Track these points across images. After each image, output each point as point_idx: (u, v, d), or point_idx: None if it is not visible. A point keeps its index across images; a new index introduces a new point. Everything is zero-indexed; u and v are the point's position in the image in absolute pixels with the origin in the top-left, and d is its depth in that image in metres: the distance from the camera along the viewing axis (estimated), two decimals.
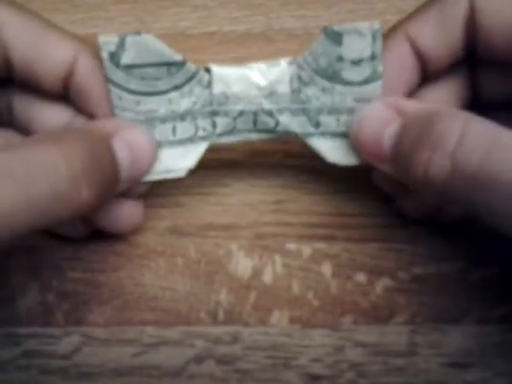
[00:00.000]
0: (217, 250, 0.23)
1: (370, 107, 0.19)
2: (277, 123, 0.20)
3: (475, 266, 0.23)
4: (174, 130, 0.20)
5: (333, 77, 0.19)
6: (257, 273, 0.22)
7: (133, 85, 0.19)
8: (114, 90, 0.19)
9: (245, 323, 0.22)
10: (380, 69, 0.19)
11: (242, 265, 0.23)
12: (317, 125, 0.20)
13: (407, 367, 0.21)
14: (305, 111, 0.20)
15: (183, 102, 0.20)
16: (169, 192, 0.24)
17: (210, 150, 0.21)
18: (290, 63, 0.20)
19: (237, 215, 0.23)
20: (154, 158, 0.20)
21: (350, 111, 0.20)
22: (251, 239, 0.23)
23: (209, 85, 0.20)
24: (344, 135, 0.20)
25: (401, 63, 0.20)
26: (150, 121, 0.20)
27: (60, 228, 0.22)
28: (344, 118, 0.20)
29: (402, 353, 0.21)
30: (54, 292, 0.22)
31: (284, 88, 0.20)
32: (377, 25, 0.19)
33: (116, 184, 0.19)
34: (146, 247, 0.23)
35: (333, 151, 0.21)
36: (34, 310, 0.22)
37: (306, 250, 0.23)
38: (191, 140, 0.20)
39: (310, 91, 0.20)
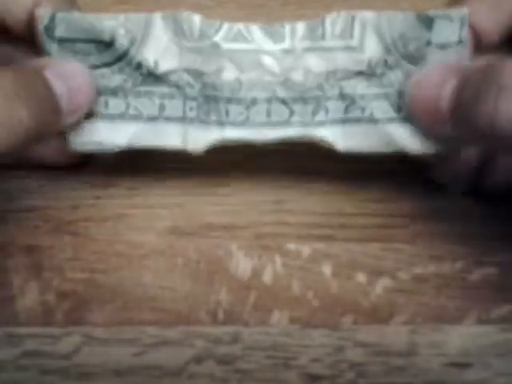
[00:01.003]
0: (217, 250, 0.23)
1: (424, 71, 0.19)
2: (291, 113, 0.20)
3: (475, 266, 0.23)
4: (106, 103, 0.20)
5: (419, 61, 0.19)
6: (257, 273, 0.22)
7: (67, 57, 0.20)
8: None
9: (245, 323, 0.22)
10: (466, 54, 0.19)
11: (242, 265, 0.23)
12: (399, 109, 0.20)
13: (407, 367, 0.21)
14: (387, 96, 0.20)
15: (114, 78, 0.20)
16: (169, 192, 0.24)
17: (210, 150, 0.21)
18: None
19: (237, 215, 0.23)
20: (92, 90, 0.20)
21: None
22: (251, 239, 0.23)
23: (139, 66, 0.20)
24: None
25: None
26: None
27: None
28: None
29: (402, 353, 0.21)
30: (54, 292, 0.22)
31: (298, 76, 0.20)
32: (465, 10, 0.19)
33: (57, 114, 0.19)
34: (146, 247, 0.23)
35: (412, 139, 0.20)
36: (33, 310, 0.22)
37: (306, 250, 0.23)
38: (122, 116, 0.20)
39: (394, 75, 0.20)
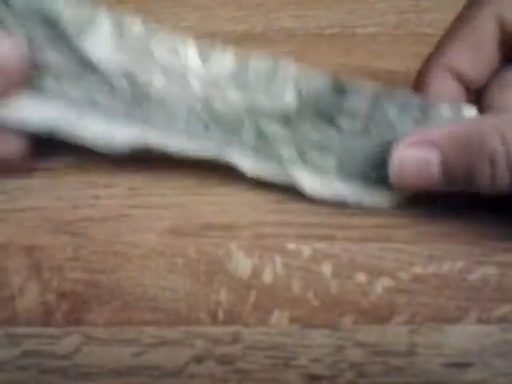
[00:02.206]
0: (217, 249, 0.23)
1: (403, 149, 0.21)
2: (207, 130, 0.21)
3: (475, 266, 0.23)
4: (39, 79, 0.20)
5: (328, 120, 0.21)
6: (257, 273, 0.22)
7: (17, 29, 0.20)
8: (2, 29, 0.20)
9: (245, 323, 0.22)
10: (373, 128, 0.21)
11: (242, 265, 0.23)
12: (302, 155, 0.22)
13: (407, 367, 0.21)
14: (295, 142, 0.22)
15: (51, 56, 0.20)
16: (169, 192, 0.24)
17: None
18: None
19: (237, 215, 0.23)
20: (20, 61, 0.19)
21: (333, 153, 0.22)
22: (251, 239, 0.23)
23: (77, 49, 0.20)
24: (323, 171, 0.22)
25: (450, 95, 0.22)
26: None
27: None
28: (327, 156, 0.22)
29: (402, 353, 0.21)
30: (54, 292, 0.22)
31: (219, 105, 0.21)
32: (378, 90, 0.21)
33: None
34: (146, 247, 0.23)
35: (309, 182, 0.22)
36: (33, 310, 0.22)
37: (306, 250, 0.23)
38: (49, 96, 0.21)
39: (305, 126, 0.21)
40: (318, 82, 0.21)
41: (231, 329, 0.22)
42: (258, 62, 0.21)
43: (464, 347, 0.21)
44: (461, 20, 0.22)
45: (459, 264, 0.23)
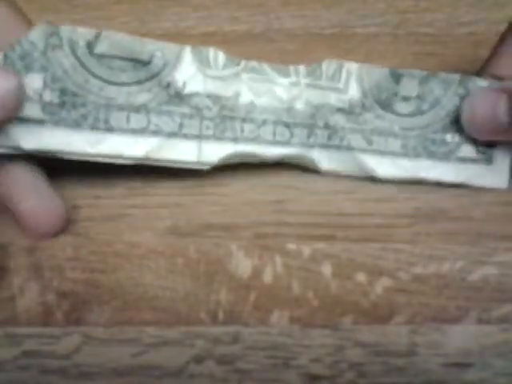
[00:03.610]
0: (217, 250, 0.23)
1: (476, 94, 0.23)
2: (291, 135, 0.23)
3: (475, 266, 0.23)
4: (128, 118, 0.22)
5: (387, 107, 0.24)
6: (257, 273, 0.22)
7: (100, 72, 0.21)
8: (83, 72, 0.21)
9: (245, 323, 0.22)
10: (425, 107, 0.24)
11: (242, 265, 0.23)
12: (370, 142, 0.24)
13: (407, 367, 0.21)
14: (361, 131, 0.24)
15: (140, 96, 0.22)
16: (169, 192, 0.24)
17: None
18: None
19: (237, 215, 0.24)
20: (15, 100, 0.20)
21: (396, 136, 0.24)
22: (251, 239, 0.23)
23: (168, 86, 0.22)
24: (390, 153, 0.24)
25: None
26: (109, 106, 0.22)
27: None
28: (391, 140, 0.24)
29: (402, 353, 0.21)
30: (54, 292, 0.22)
31: (300, 105, 0.23)
32: (424, 72, 0.24)
33: None
34: (146, 247, 0.23)
35: (380, 166, 0.24)
36: (33, 310, 0.22)
37: (306, 250, 0.23)
38: (142, 132, 0.22)
39: (368, 116, 0.24)
40: (376, 73, 0.24)
41: (231, 329, 0.22)
42: (327, 63, 0.23)
43: (464, 347, 0.21)
44: None
45: (459, 264, 0.23)
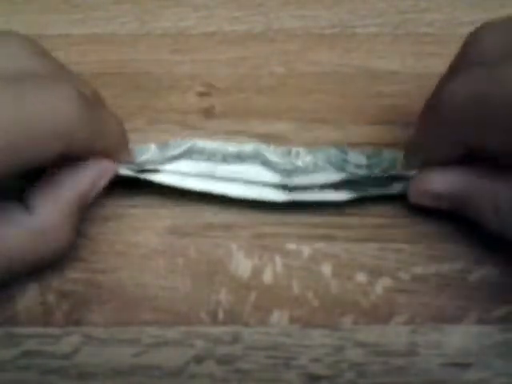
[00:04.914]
0: (217, 250, 0.23)
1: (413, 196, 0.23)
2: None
3: (475, 265, 0.23)
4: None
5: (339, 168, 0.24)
6: (257, 273, 0.22)
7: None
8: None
9: (245, 323, 0.22)
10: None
11: (242, 265, 0.23)
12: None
13: (407, 367, 0.21)
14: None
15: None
16: (169, 192, 0.24)
17: None
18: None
19: (237, 215, 0.24)
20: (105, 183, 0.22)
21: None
22: (251, 239, 0.23)
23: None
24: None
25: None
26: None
27: None
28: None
29: (402, 353, 0.21)
30: (54, 292, 0.22)
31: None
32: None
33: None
34: (146, 247, 0.23)
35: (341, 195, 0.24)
36: (33, 310, 0.22)
37: (306, 250, 0.23)
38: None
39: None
40: (325, 149, 0.25)
41: (231, 329, 0.22)
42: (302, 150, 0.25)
43: (464, 347, 0.21)
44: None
45: (459, 264, 0.23)
